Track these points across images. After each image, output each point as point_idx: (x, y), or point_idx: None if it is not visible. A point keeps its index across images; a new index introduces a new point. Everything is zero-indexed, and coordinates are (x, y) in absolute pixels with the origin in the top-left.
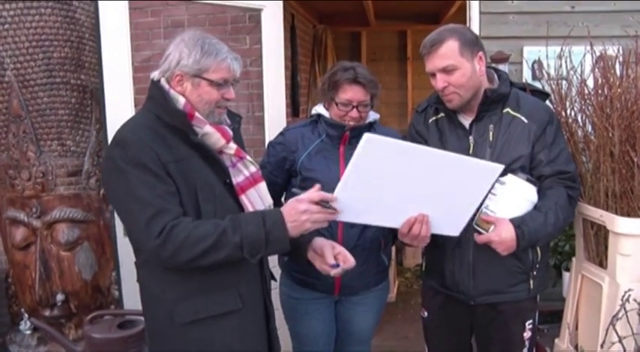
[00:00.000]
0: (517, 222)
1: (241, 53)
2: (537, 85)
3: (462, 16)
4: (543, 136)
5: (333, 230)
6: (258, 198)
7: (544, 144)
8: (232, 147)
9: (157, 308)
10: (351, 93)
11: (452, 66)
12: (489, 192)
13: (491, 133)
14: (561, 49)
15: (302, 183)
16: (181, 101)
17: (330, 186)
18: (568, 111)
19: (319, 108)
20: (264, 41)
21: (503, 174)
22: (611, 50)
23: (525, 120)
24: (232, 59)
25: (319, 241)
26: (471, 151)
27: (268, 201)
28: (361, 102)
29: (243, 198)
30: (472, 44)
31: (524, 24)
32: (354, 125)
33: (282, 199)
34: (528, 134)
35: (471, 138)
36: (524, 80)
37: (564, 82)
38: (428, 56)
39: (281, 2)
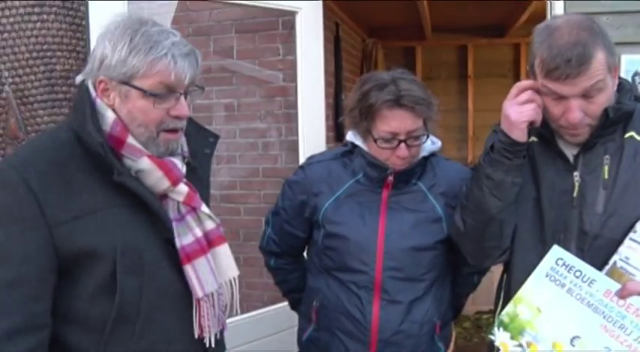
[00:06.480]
0: None
1: (272, 66)
2: None
3: (533, 27)
4: None
5: (365, 308)
6: (209, 271)
7: None
8: (181, 191)
9: None
10: (395, 122)
11: (599, 86)
12: (628, 237)
13: (606, 168)
14: None
15: (326, 240)
16: (109, 117)
17: (363, 247)
18: None
19: (355, 136)
20: (300, 51)
21: None
22: None
23: None
24: (177, 56)
25: None
26: (575, 193)
27: (228, 275)
28: (411, 132)
29: (188, 270)
30: (613, 50)
31: (621, 27)
32: (403, 168)
33: (305, 253)
34: None
35: (576, 174)
36: None
37: None
38: (573, 78)
39: (320, 2)
